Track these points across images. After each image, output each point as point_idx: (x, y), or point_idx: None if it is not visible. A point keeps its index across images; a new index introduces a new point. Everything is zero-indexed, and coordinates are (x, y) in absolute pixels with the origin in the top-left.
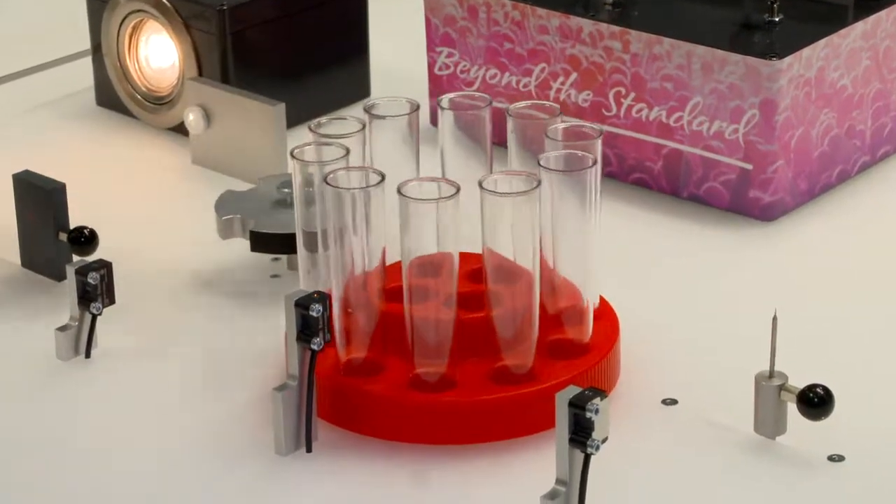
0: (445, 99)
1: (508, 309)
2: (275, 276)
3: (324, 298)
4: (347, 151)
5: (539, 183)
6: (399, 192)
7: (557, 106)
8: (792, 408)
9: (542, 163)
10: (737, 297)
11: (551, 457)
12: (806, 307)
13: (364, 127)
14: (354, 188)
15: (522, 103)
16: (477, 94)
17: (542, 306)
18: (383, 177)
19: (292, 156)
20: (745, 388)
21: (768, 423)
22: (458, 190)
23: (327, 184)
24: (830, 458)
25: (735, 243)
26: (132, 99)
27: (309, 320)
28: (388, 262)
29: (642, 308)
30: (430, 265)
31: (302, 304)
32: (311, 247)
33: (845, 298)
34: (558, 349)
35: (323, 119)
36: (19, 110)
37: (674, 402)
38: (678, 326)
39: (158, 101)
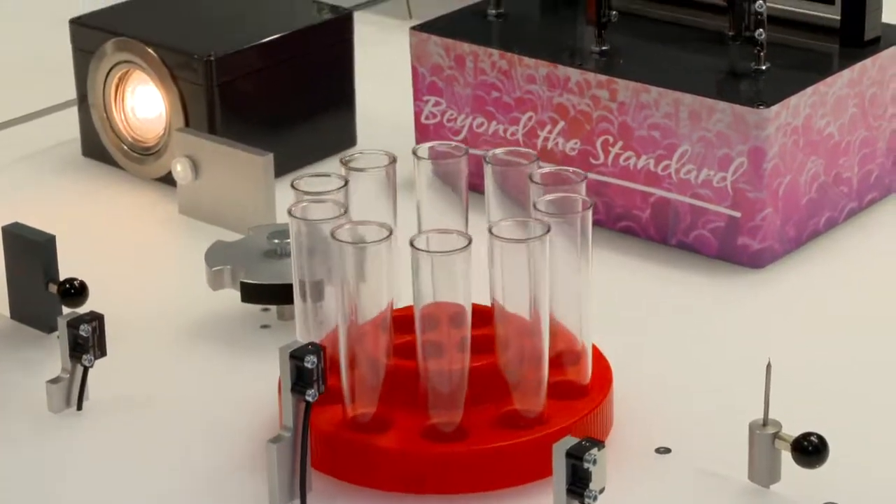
0: (422, 149)
1: (516, 354)
2: (265, 326)
3: (318, 350)
4: (346, 209)
5: (549, 228)
6: (412, 245)
7: (534, 152)
8: (786, 456)
9: (538, 206)
10: (727, 344)
11: None
12: (797, 354)
13: (346, 183)
14: (365, 243)
15: (500, 150)
16: (454, 143)
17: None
18: (391, 231)
19: (289, 214)
20: (738, 435)
21: (763, 472)
22: (470, 241)
23: (335, 239)
24: None
25: (724, 291)
26: (118, 149)
27: (304, 372)
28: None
29: (633, 356)
30: (443, 315)
31: (297, 355)
32: (316, 297)
33: (836, 345)
34: (558, 391)
35: (305, 176)
36: (4, 161)
37: (667, 450)
38: (669, 374)
39: (145, 152)
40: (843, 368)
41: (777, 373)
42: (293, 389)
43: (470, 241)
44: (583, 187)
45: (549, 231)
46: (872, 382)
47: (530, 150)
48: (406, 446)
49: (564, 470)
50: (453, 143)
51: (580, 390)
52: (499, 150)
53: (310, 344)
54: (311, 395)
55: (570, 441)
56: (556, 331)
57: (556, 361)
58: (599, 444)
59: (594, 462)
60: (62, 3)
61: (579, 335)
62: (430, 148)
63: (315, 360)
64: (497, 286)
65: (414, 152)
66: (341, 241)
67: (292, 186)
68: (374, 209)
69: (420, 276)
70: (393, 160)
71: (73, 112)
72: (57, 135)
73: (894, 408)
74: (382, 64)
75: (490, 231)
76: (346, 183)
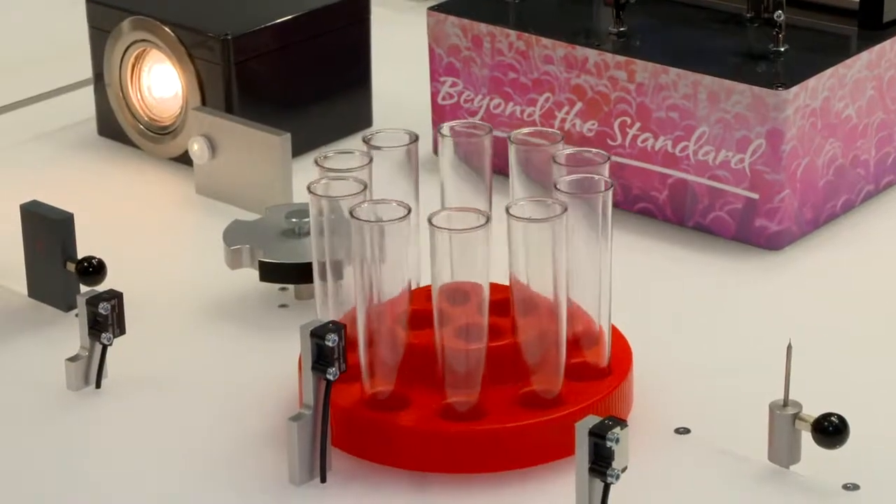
0: (445, 127)
1: (535, 335)
2: (283, 305)
3: (339, 328)
4: (365, 186)
5: (566, 209)
6: (430, 222)
7: (560, 132)
8: (806, 436)
9: (558, 186)
10: (746, 325)
11: (569, 485)
12: (815, 336)
13: (371, 161)
14: (384, 221)
15: (524, 130)
16: (478, 122)
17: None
18: (409, 209)
19: (309, 191)
20: (757, 416)
21: (783, 452)
22: (489, 219)
23: (353, 217)
24: (845, 487)
25: (742, 272)
26: (134, 129)
27: (324, 350)
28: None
29: (651, 337)
30: (461, 294)
31: (317, 333)
32: (337, 275)
33: (854, 326)
34: (576, 373)
35: (329, 153)
36: (20, 140)
37: (686, 431)
38: (688, 355)
39: (161, 131)
40: (862, 349)
41: (796, 354)
42: (314, 368)
43: (488, 220)
44: (606, 168)
45: (566, 210)
46: (892, 363)
47: (556, 131)
48: (423, 425)
49: (587, 448)
50: (478, 122)
51: (599, 372)
52: (524, 130)
53: (331, 322)
54: (331, 373)
55: (592, 420)
56: (576, 313)
57: (576, 342)
58: (622, 422)
59: (617, 441)
60: None
61: (598, 317)
62: (452, 127)
63: (336, 338)
64: (516, 266)
65: (438, 130)
66: (360, 219)
67: (315, 163)
68: (395, 188)
69: (438, 255)
70: (415, 139)
71: (88, 92)
72: (72, 114)
73: None
74: (397, 45)
75: (507, 210)
76: (371, 161)
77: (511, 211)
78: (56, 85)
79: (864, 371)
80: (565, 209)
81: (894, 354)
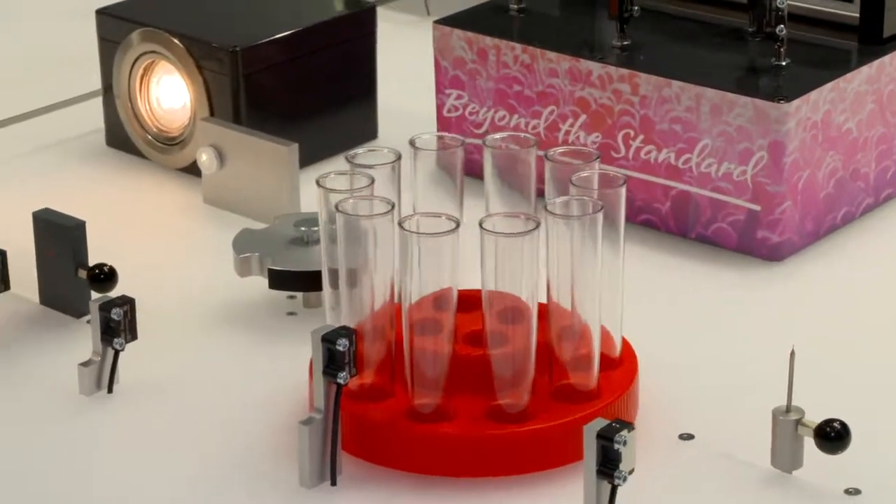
0: (420, 140)
1: (507, 349)
2: (291, 313)
3: (350, 333)
4: (372, 180)
5: (538, 225)
6: (400, 226)
7: (533, 137)
8: (808, 442)
9: (550, 209)
10: (748, 335)
11: (575, 491)
12: (817, 344)
13: (399, 158)
14: (362, 216)
15: (560, 149)
16: (448, 135)
17: (552, 350)
18: (393, 205)
19: (318, 184)
20: (759, 423)
21: (785, 458)
22: (458, 225)
23: (338, 210)
24: (847, 492)
25: (744, 283)
26: (142, 139)
27: (335, 354)
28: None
29: (656, 346)
30: (433, 299)
31: (329, 338)
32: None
33: (855, 335)
34: (563, 394)
35: (359, 150)
36: (29, 150)
37: (690, 437)
38: (691, 363)
39: (169, 142)
40: (862, 357)
41: (799, 361)
42: (325, 372)
43: (458, 225)
44: (597, 164)
45: (601, 209)
46: (892, 370)
47: (529, 136)
48: (392, 421)
49: (595, 451)
50: (449, 135)
51: (586, 395)
52: (559, 149)
53: (342, 327)
54: (342, 377)
55: (600, 423)
56: (576, 332)
57: (566, 364)
58: (629, 425)
59: (624, 443)
60: None
61: (596, 338)
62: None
63: (347, 342)
64: (487, 280)
65: (411, 143)
66: (411, 231)
67: (346, 159)
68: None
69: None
70: (398, 157)
71: (95, 103)
72: (80, 125)
73: None
74: (400, 59)
75: (480, 225)
76: (398, 157)
77: (548, 209)
78: (65, 96)
79: (865, 378)
80: (601, 207)
81: (893, 361)
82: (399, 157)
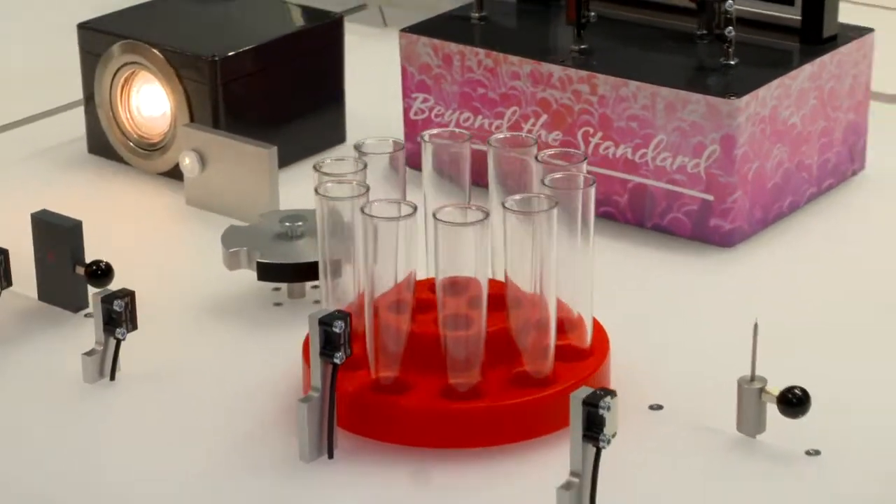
0: (427, 134)
1: (526, 322)
2: (277, 304)
3: (345, 316)
4: (368, 188)
5: (557, 203)
6: (435, 217)
7: (583, 154)
8: (771, 408)
9: (545, 182)
10: (706, 314)
11: (561, 455)
12: (770, 321)
13: (365, 166)
14: (396, 218)
15: (549, 151)
16: (455, 129)
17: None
18: (415, 207)
19: (317, 192)
20: (721, 392)
21: (750, 423)
22: (488, 215)
23: (365, 214)
24: (808, 453)
25: (698, 268)
26: (124, 146)
27: (332, 336)
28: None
29: (621, 327)
30: (460, 287)
31: (325, 321)
32: (336, 274)
33: (803, 311)
34: (561, 354)
35: (327, 160)
36: (14, 159)
37: (660, 407)
38: (657, 341)
39: (150, 148)
40: (812, 330)
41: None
42: (322, 353)
43: (487, 216)
44: (584, 165)
45: (556, 205)
46: (841, 340)
47: (530, 136)
48: (428, 404)
49: (581, 417)
50: (455, 130)
51: (582, 353)
52: (548, 151)
53: (337, 311)
54: (338, 357)
55: (585, 391)
56: (558, 303)
57: (560, 327)
58: (612, 392)
59: (608, 409)
60: (63, 10)
61: (577, 305)
62: (433, 135)
63: (342, 325)
64: (506, 259)
65: (421, 138)
66: (369, 215)
67: (314, 168)
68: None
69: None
70: (401, 147)
71: (76, 113)
72: (62, 134)
73: (862, 362)
74: (367, 68)
75: (504, 205)
76: (365, 166)
77: (506, 205)
78: (48, 107)
79: (817, 348)
80: (556, 203)
81: (842, 333)
82: (402, 147)
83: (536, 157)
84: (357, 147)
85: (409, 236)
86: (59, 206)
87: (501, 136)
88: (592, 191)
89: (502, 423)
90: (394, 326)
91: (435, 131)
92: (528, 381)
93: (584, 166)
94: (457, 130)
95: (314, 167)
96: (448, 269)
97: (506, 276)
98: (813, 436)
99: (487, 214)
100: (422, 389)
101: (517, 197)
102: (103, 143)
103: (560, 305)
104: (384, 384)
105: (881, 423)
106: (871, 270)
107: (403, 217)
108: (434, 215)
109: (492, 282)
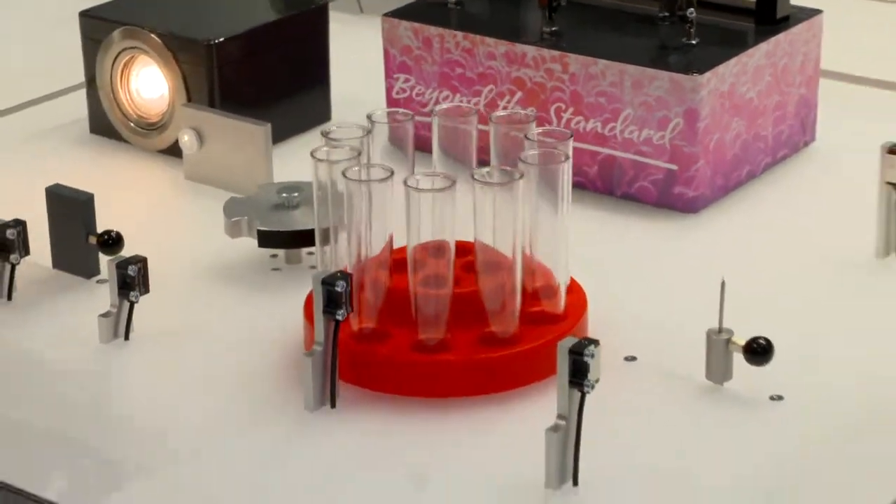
0: (376, 114)
1: (496, 285)
2: (275, 269)
3: (346, 276)
4: (359, 153)
5: (522, 175)
6: (405, 184)
7: (475, 108)
8: (738, 357)
9: (523, 159)
10: (673, 274)
11: (547, 402)
12: (731, 279)
13: (369, 132)
14: (371, 180)
15: (539, 129)
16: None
17: (522, 284)
18: (392, 172)
19: (312, 156)
20: (690, 345)
21: (718, 372)
22: (454, 182)
23: (344, 177)
24: (771, 398)
25: (665, 234)
26: (125, 126)
27: (333, 295)
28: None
29: (595, 288)
30: (432, 249)
31: (328, 281)
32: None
33: (761, 269)
34: (538, 319)
35: (333, 126)
36: (21, 139)
37: (633, 358)
38: (629, 299)
39: (149, 127)
40: (771, 286)
41: (717, 294)
42: (324, 310)
43: (454, 182)
44: (569, 144)
45: (521, 177)
46: (799, 295)
47: (472, 107)
48: (399, 356)
49: (567, 364)
50: (400, 111)
51: (556, 318)
52: (536, 130)
53: (338, 271)
54: (340, 314)
55: (571, 341)
56: (537, 269)
57: (536, 294)
58: (596, 342)
59: (592, 356)
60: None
61: (556, 272)
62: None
63: (344, 284)
64: (478, 228)
65: (368, 117)
66: (352, 179)
67: (322, 134)
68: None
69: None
70: (410, 117)
71: (78, 95)
72: (64, 115)
73: (817, 316)
74: (351, 52)
75: (473, 177)
76: (369, 132)
77: (476, 177)
78: (51, 90)
79: (777, 302)
80: (521, 175)
81: (799, 288)
82: (369, 131)
83: (526, 136)
84: (369, 116)
85: (384, 200)
86: (64, 183)
87: (445, 106)
88: (567, 166)
89: (467, 376)
90: (371, 282)
91: (445, 106)
92: (493, 340)
93: (571, 143)
94: (463, 105)
95: (321, 133)
96: (418, 233)
97: (475, 242)
98: (776, 382)
99: (454, 182)
100: (398, 342)
101: (485, 169)
102: (105, 124)
103: (542, 273)
104: (365, 333)
105: (837, 370)
106: (820, 233)
107: (376, 180)
108: (405, 182)
109: (470, 245)
